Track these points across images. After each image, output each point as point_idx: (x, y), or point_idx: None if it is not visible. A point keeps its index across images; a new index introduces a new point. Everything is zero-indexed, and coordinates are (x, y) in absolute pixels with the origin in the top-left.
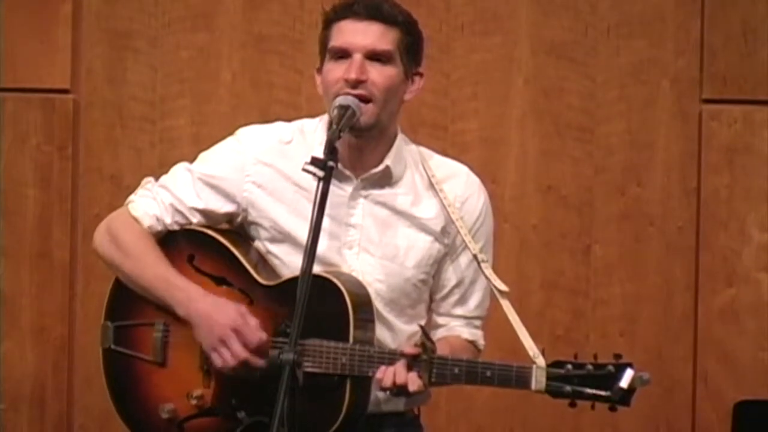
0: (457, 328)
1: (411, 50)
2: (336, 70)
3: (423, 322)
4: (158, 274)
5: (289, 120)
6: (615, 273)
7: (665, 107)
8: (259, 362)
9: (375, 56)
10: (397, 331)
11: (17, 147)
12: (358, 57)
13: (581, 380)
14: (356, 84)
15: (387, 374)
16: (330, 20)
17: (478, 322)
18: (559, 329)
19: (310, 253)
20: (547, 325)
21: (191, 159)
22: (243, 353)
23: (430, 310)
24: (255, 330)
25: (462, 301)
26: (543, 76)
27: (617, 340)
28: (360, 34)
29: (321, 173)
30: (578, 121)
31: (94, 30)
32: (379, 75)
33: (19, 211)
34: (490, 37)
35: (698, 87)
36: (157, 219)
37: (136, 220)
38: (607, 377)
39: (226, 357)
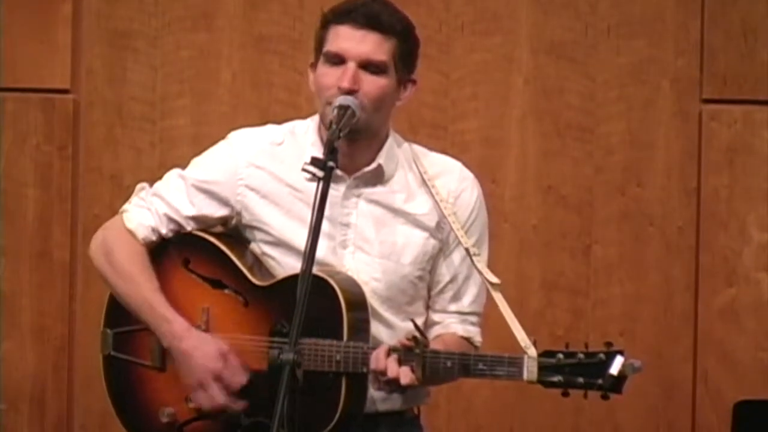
0: (452, 325)
1: (406, 59)
2: (329, 76)
3: (422, 319)
4: (146, 300)
5: (289, 120)
6: (615, 273)
7: (665, 107)
8: (238, 406)
9: (369, 66)
10: (395, 328)
11: (17, 147)
12: (352, 66)
13: (572, 369)
14: (349, 93)
15: (378, 364)
16: (328, 21)
17: (474, 319)
18: (559, 329)
19: (310, 253)
20: (547, 325)
21: (191, 159)
22: (221, 399)
23: (427, 307)
24: (236, 373)
25: (456, 297)
26: (543, 76)
27: (617, 340)
28: (356, 42)
29: (321, 173)
30: (578, 121)
31: (94, 30)
32: (371, 85)
33: (19, 211)
34: (490, 37)
35: (698, 87)
36: (152, 230)
37: (130, 232)
38: (598, 365)
39: (204, 401)
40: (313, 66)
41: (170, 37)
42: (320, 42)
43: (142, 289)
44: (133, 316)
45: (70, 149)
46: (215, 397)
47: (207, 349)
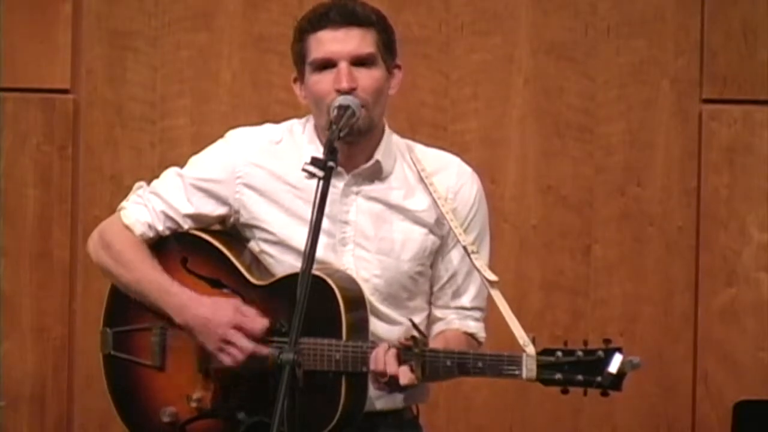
0: (455, 321)
1: (388, 46)
2: (323, 82)
3: (424, 315)
4: (152, 281)
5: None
6: (615, 273)
7: (665, 107)
8: (266, 350)
9: (359, 61)
10: (395, 324)
11: (17, 147)
12: (344, 65)
13: (571, 367)
14: (348, 92)
15: (378, 364)
16: (305, 31)
17: (476, 314)
18: (559, 329)
19: (310, 253)
20: (547, 325)
21: (191, 158)
22: (250, 346)
23: (430, 303)
24: (255, 320)
25: (457, 294)
26: (543, 76)
27: (617, 340)
28: (340, 42)
29: (321, 173)
30: (578, 121)
31: (94, 30)
32: (367, 79)
33: (19, 211)
34: (490, 37)
35: (698, 87)
36: (149, 226)
37: (128, 228)
38: (596, 363)
39: (234, 353)
40: (298, 80)
41: (170, 37)
42: (301, 54)
43: (146, 272)
44: (135, 312)
45: (70, 149)
46: (244, 345)
47: (221, 307)
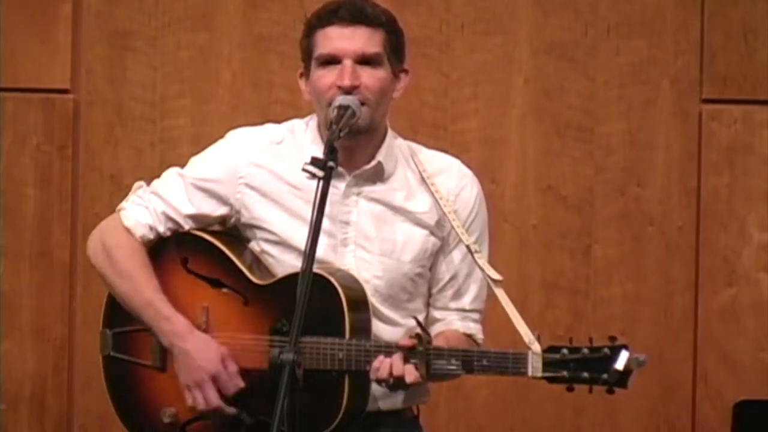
0: (454, 322)
1: (396, 49)
2: (327, 77)
3: (422, 316)
4: (147, 299)
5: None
6: (615, 273)
7: (665, 107)
8: (230, 410)
9: (365, 60)
10: (395, 325)
11: (17, 147)
12: (348, 63)
13: (577, 364)
14: (350, 90)
15: (383, 365)
16: (313, 27)
17: (476, 316)
18: (559, 329)
19: (311, 253)
20: (547, 325)
21: (191, 159)
22: (216, 401)
23: (428, 305)
24: (233, 378)
25: (457, 295)
26: (543, 76)
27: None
28: (347, 39)
29: (321, 173)
30: (578, 121)
31: (94, 30)
32: (370, 78)
33: (19, 211)
34: (490, 37)
35: (698, 87)
36: (150, 228)
37: (128, 230)
38: (602, 360)
39: (199, 400)
40: (304, 75)
41: (170, 37)
42: (309, 50)
43: (143, 288)
44: (133, 316)
45: (70, 149)
46: (210, 398)
47: (208, 351)
